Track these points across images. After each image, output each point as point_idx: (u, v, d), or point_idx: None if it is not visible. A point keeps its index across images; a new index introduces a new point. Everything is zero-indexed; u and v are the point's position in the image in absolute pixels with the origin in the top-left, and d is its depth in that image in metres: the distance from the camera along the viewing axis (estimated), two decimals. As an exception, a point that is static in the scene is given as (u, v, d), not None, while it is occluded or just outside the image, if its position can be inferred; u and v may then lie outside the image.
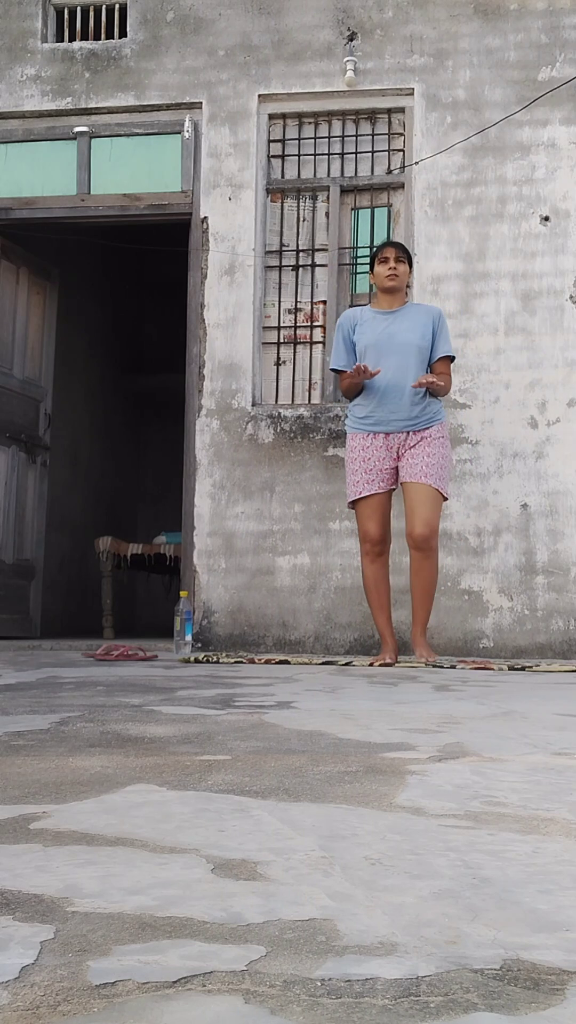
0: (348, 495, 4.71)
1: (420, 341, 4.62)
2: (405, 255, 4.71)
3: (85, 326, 8.63)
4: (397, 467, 4.64)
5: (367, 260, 5.94)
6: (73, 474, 8.38)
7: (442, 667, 4.33)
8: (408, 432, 4.59)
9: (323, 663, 4.48)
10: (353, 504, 4.70)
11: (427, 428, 4.58)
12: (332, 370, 4.81)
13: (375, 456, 4.62)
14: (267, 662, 4.50)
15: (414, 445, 4.59)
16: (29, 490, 6.73)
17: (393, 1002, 0.64)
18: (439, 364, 4.67)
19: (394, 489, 4.69)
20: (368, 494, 4.62)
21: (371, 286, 5.25)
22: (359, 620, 5.56)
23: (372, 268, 4.76)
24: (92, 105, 6.15)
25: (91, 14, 6.35)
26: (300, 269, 6.00)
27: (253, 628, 5.62)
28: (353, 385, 4.61)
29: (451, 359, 4.71)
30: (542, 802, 1.29)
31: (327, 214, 6.02)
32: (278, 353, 5.99)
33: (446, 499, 4.65)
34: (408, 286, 5.05)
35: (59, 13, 6.41)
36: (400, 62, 5.91)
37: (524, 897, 0.88)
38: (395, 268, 4.65)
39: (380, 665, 4.43)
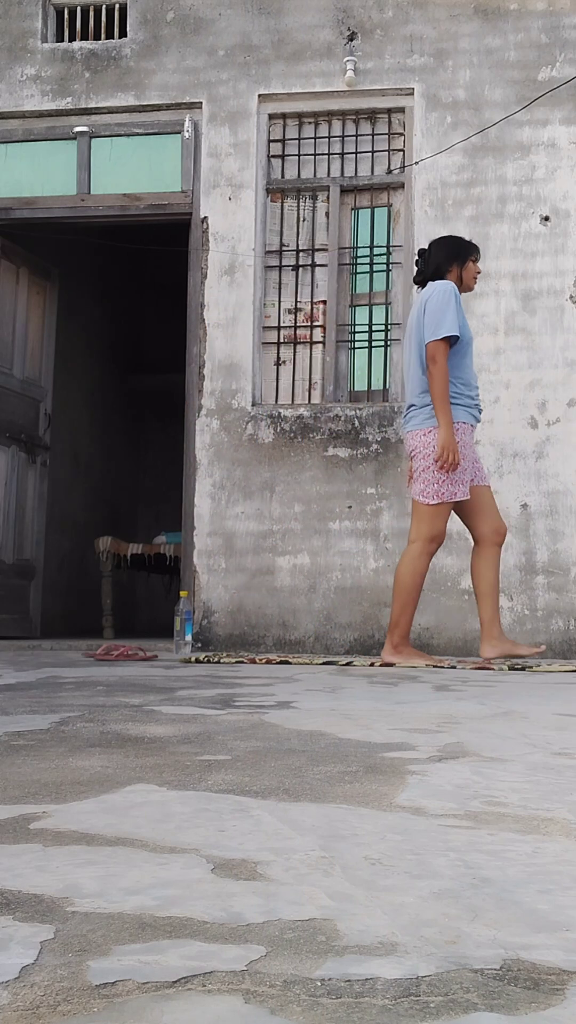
0: (453, 494, 4.36)
1: None
2: None
3: (85, 326, 8.63)
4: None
5: (367, 260, 5.95)
6: (73, 474, 8.38)
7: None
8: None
9: (323, 663, 4.48)
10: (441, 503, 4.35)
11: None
12: (449, 336, 4.26)
13: (472, 449, 4.46)
14: (267, 662, 4.50)
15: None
16: (29, 490, 6.73)
17: (393, 1002, 0.64)
18: None
19: None
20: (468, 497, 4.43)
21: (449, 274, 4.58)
22: (359, 620, 5.56)
23: (461, 260, 4.53)
24: (92, 105, 6.15)
25: (91, 14, 6.35)
26: (300, 269, 6.00)
27: (253, 628, 5.62)
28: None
29: None
30: (542, 802, 1.29)
31: (327, 214, 6.02)
32: (278, 353, 5.99)
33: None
34: None
35: (59, 13, 6.41)
36: (400, 62, 5.90)
37: (524, 897, 0.87)
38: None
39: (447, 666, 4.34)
